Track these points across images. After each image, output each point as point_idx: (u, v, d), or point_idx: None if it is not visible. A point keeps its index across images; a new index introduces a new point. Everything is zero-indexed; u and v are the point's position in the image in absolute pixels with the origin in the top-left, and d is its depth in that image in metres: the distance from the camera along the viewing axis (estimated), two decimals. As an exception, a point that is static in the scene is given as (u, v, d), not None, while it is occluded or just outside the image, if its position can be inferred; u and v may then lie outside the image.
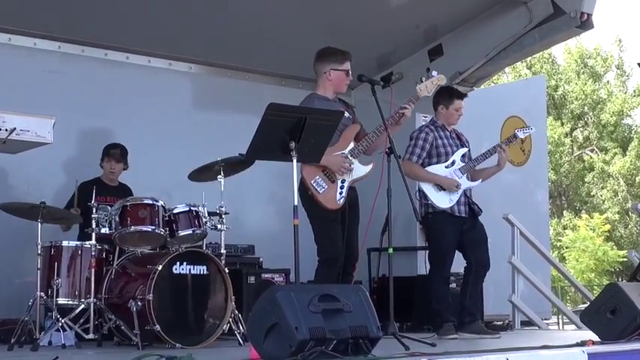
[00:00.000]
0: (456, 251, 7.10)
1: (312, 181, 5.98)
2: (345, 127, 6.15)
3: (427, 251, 7.26)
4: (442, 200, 6.96)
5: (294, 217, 5.05)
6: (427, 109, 7.37)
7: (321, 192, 5.99)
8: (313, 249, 6.09)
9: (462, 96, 7.21)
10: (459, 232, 7.00)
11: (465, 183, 7.02)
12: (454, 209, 6.97)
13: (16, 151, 5.74)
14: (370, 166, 6.13)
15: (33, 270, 6.39)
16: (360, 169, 6.13)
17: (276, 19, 8.44)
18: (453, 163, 7.04)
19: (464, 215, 7.01)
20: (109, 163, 7.51)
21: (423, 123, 7.45)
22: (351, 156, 6.10)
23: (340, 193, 6.04)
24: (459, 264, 7.23)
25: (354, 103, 7.68)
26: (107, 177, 7.53)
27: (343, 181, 6.06)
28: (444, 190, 6.96)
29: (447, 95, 7.12)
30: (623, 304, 5.84)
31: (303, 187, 6.00)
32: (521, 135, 7.40)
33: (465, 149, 7.15)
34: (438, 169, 7.02)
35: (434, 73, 6.45)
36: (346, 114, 6.18)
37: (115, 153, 7.54)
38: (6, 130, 5.27)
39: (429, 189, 6.96)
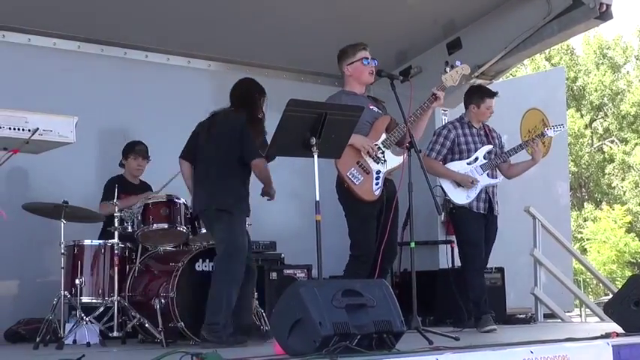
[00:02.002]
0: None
1: (347, 173, 5.99)
2: (375, 120, 6.18)
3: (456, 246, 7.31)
4: (459, 197, 7.03)
5: (316, 212, 5.05)
6: (446, 103, 7.34)
7: (357, 183, 6.00)
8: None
9: (492, 95, 7.29)
10: (483, 225, 7.06)
11: (484, 180, 7.06)
12: (472, 205, 7.02)
13: (39, 151, 5.75)
14: (402, 157, 6.06)
15: (56, 269, 6.44)
16: (393, 160, 6.12)
17: (295, 16, 8.44)
18: (476, 159, 7.08)
19: (482, 212, 7.07)
20: (135, 160, 7.52)
21: (443, 117, 7.45)
22: (384, 147, 6.10)
23: (376, 184, 6.04)
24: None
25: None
26: (131, 174, 7.54)
27: (379, 172, 6.06)
28: (461, 186, 6.99)
29: (478, 95, 7.22)
30: (647, 295, 5.82)
31: (340, 181, 6.02)
32: (550, 134, 7.39)
33: (490, 146, 7.17)
34: (459, 165, 7.07)
35: (458, 62, 6.42)
36: (375, 109, 6.24)
37: (142, 149, 7.56)
38: (29, 130, 5.28)
39: (447, 185, 7.07)
